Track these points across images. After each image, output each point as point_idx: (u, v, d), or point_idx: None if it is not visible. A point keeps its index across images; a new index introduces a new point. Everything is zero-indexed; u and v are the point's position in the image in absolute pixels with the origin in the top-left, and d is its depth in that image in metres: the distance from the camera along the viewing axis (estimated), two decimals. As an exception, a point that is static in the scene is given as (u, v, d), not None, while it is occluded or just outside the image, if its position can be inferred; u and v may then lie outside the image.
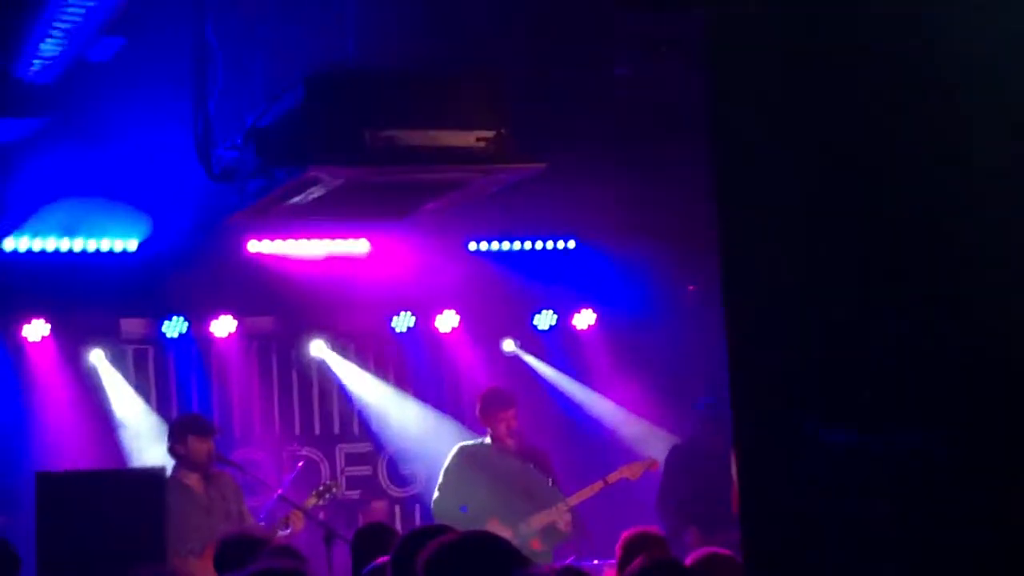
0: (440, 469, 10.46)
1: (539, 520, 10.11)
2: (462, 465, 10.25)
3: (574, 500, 10.17)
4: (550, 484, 10.24)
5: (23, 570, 7.21)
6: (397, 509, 12.04)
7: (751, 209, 2.94)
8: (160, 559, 8.05)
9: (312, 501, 10.14)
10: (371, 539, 7.29)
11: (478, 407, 10.48)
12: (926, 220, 2.70)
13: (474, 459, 10.26)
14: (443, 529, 4.77)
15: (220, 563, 7.06)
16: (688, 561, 5.97)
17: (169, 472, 9.45)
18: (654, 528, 8.04)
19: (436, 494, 10.33)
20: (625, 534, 7.31)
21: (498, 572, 4.10)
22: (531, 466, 10.24)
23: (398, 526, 11.36)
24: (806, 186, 2.86)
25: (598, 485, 10.34)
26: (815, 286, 2.82)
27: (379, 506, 11.67)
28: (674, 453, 10.90)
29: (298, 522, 9.82)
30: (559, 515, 10.04)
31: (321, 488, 10.39)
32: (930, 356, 2.67)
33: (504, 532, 9.83)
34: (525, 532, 10.03)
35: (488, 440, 10.38)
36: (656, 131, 10.93)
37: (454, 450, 10.44)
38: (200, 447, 9.71)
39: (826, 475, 2.77)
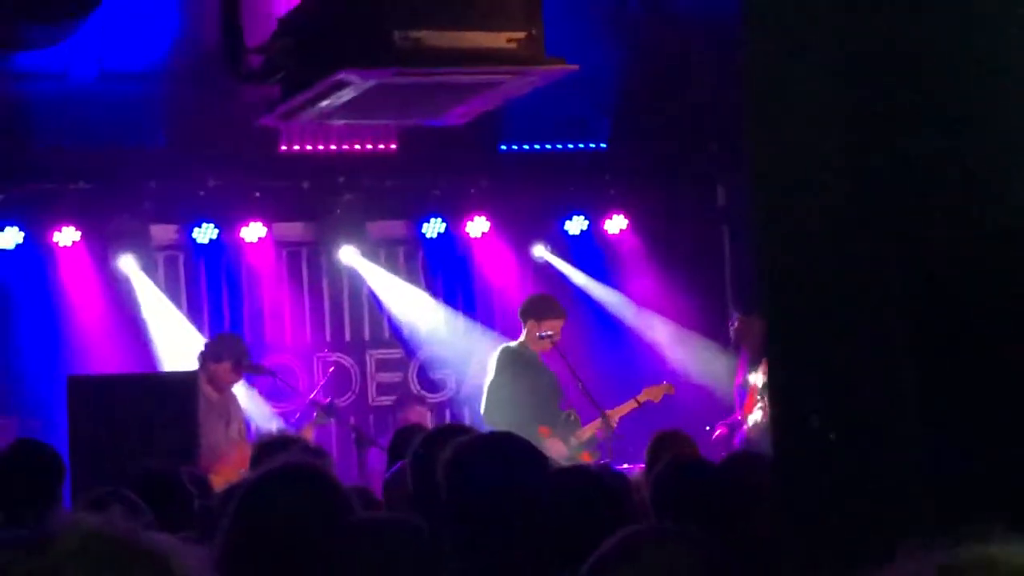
0: (480, 372, 10.35)
1: (585, 433, 10.02)
2: (509, 368, 10.05)
3: (614, 414, 10.08)
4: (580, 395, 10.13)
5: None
6: (428, 415, 12.04)
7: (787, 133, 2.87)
8: (192, 462, 8.08)
9: (307, 432, 9.99)
10: (408, 441, 7.27)
11: (527, 308, 10.27)
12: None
13: (519, 363, 10.07)
14: (462, 429, 4.75)
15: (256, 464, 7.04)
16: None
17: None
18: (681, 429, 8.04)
19: (485, 401, 10.12)
20: (654, 435, 7.31)
21: (522, 472, 4.08)
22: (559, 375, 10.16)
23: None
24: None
25: (631, 404, 10.22)
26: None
27: (421, 410, 11.59)
28: None
29: (308, 433, 9.80)
30: (603, 426, 9.92)
31: (316, 415, 10.25)
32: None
33: (555, 443, 9.76)
34: (575, 444, 9.96)
35: (527, 344, 10.20)
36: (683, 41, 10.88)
37: (498, 353, 10.24)
38: (233, 376, 9.79)
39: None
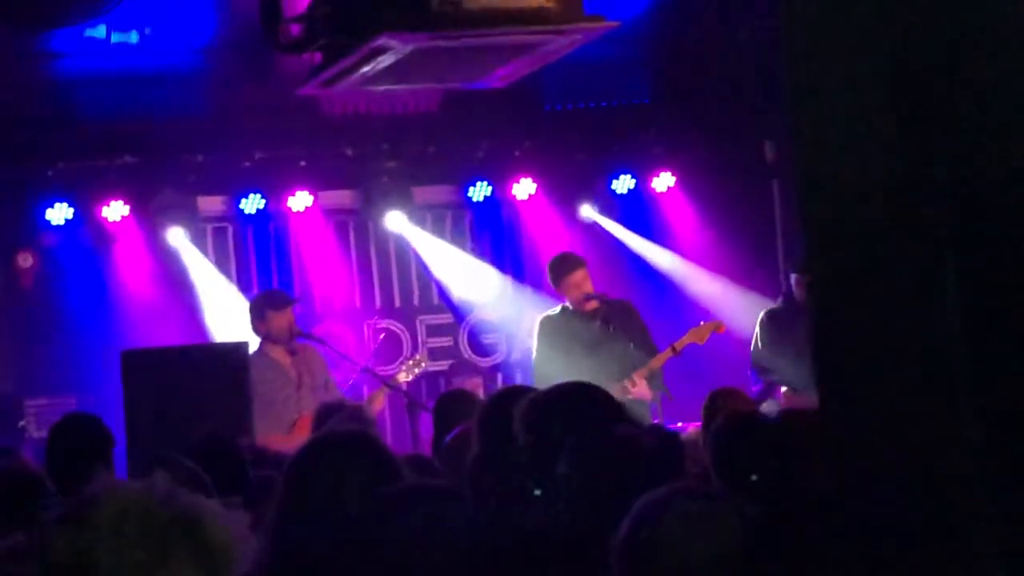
0: (528, 341, 10.35)
1: (619, 390, 9.94)
2: (547, 336, 9.98)
3: (644, 371, 9.94)
4: (632, 347, 9.99)
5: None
6: (479, 378, 12.05)
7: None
8: (247, 432, 8.11)
9: (402, 376, 10.16)
10: (453, 406, 7.29)
11: (548, 278, 10.24)
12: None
13: (556, 328, 9.99)
14: (529, 389, 4.75)
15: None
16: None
17: (254, 349, 9.50)
18: (738, 387, 7.99)
19: (534, 367, 10.10)
20: (710, 393, 7.26)
21: (600, 420, 4.06)
22: (611, 329, 10.01)
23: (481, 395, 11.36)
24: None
25: (667, 353, 10.05)
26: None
27: (475, 380, 11.59)
28: (769, 316, 10.58)
29: (379, 402, 9.86)
30: (652, 382, 9.87)
31: (411, 362, 10.42)
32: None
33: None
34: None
35: (567, 306, 10.15)
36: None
37: (536, 323, 10.20)
38: (280, 321, 9.74)
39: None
